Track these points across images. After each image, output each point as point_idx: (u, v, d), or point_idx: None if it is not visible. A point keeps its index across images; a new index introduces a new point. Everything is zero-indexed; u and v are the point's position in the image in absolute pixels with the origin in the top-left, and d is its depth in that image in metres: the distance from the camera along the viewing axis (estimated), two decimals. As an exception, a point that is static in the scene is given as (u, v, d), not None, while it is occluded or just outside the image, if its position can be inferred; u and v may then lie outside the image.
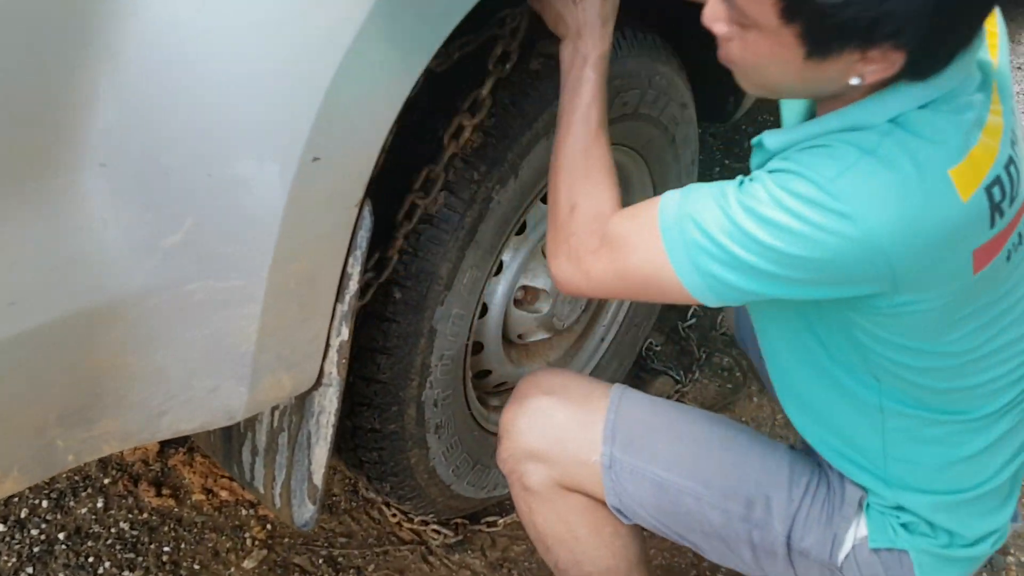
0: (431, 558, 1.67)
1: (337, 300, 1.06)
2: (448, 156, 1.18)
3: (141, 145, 0.85)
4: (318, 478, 1.20)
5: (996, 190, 0.96)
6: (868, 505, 1.16)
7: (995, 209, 0.96)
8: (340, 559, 1.65)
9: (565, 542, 1.26)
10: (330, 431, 1.16)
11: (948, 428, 1.10)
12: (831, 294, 0.99)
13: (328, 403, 1.14)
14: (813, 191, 0.92)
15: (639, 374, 2.06)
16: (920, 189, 0.91)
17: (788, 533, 1.17)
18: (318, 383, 1.12)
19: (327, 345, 1.09)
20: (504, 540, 1.72)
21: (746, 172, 1.03)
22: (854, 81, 0.92)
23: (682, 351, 2.15)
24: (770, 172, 0.97)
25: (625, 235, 1.04)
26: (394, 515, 1.70)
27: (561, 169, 1.12)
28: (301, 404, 1.16)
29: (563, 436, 1.20)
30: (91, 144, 0.84)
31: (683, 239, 0.98)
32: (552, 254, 1.12)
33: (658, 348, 2.14)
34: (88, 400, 0.94)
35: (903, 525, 1.15)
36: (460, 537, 1.68)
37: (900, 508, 1.15)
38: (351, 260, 1.04)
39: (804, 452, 1.24)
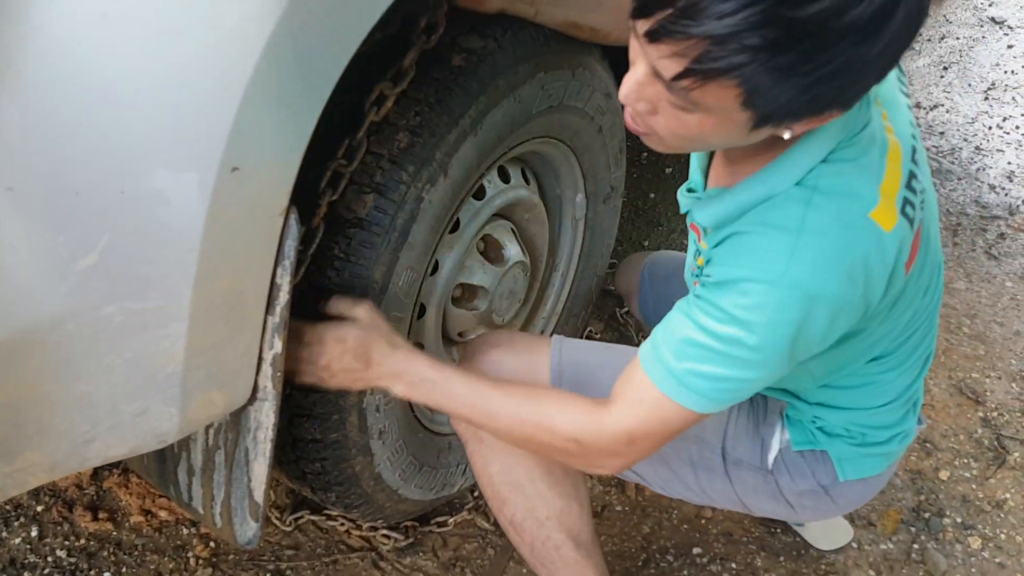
0: (382, 563, 1.65)
1: (267, 312, 1.03)
2: (367, 123, 1.15)
3: (48, 165, 0.81)
4: (259, 495, 1.17)
5: (908, 208, 1.03)
6: (788, 416, 1.29)
7: (911, 220, 1.03)
8: (288, 572, 1.62)
9: (521, 487, 1.31)
10: (268, 446, 1.13)
11: (862, 377, 1.23)
12: (825, 347, 1.05)
13: (265, 417, 1.11)
14: (774, 291, 0.96)
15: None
16: (855, 243, 0.97)
17: (722, 444, 1.27)
18: (253, 398, 1.09)
19: (260, 359, 1.06)
20: (456, 539, 1.71)
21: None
22: (786, 135, 0.94)
23: (621, 337, 2.16)
24: (719, 285, 1.00)
25: (641, 425, 1.08)
26: (342, 524, 1.67)
27: (520, 434, 1.15)
28: (237, 420, 1.13)
29: (515, 381, 1.27)
30: (-6, 166, 0.80)
31: (677, 381, 1.03)
32: (593, 468, 1.17)
33: (597, 336, 2.15)
34: (8, 432, 0.90)
35: (819, 429, 1.27)
36: (411, 540, 1.67)
37: (817, 417, 1.27)
38: (279, 271, 1.01)
39: None
